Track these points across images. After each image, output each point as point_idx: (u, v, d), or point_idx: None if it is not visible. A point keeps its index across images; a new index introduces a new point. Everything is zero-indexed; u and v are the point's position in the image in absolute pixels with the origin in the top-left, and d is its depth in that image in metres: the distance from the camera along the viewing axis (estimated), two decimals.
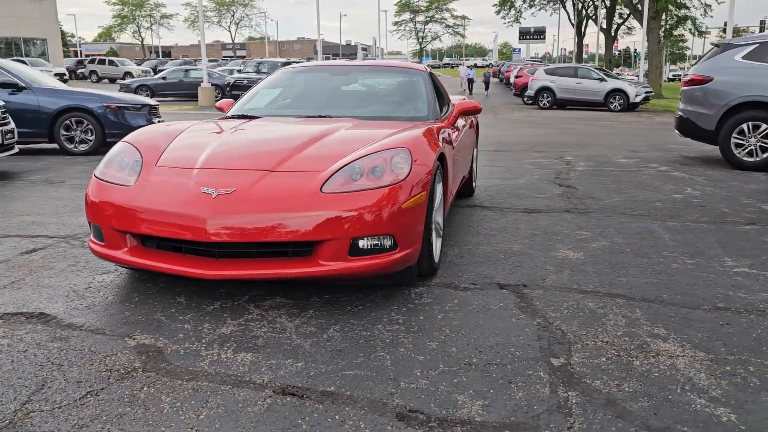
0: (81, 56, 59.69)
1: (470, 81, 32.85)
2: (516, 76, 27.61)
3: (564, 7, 47.38)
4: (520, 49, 78.42)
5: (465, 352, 2.51)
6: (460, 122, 4.84)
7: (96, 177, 3.25)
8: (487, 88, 32.22)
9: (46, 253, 3.90)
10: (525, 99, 23.11)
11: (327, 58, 46.00)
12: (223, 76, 24.08)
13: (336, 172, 3.01)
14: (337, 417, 2.03)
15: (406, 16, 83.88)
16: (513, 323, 2.82)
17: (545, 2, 47.69)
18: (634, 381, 2.29)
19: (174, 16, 73.31)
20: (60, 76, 33.36)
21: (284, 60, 22.70)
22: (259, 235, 2.81)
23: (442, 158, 3.59)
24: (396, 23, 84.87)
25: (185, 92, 24.21)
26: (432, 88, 4.61)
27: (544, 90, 21.65)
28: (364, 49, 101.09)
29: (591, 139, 11.96)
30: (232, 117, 4.42)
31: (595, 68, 23.07)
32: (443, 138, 3.90)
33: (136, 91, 23.97)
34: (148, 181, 3.09)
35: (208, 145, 3.40)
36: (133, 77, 25.03)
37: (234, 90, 20.03)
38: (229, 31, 70.69)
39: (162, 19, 69.61)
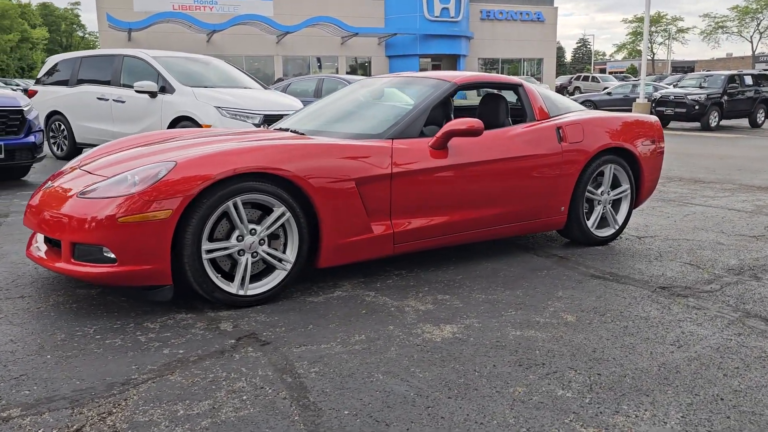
0: (606, 72, 62.83)
1: None
2: None
3: None
4: None
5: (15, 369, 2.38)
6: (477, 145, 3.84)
7: None
8: None
9: None
10: None
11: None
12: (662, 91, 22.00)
13: (112, 177, 3.08)
14: None
15: None
16: (115, 362, 2.42)
17: None
18: None
19: (690, 30, 69.01)
20: None
21: (734, 72, 19.18)
22: (39, 227, 3.17)
23: (279, 180, 3.12)
24: None
25: (629, 108, 23.21)
26: (430, 103, 3.81)
27: None
28: None
29: None
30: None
31: None
32: (365, 160, 3.36)
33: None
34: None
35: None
36: (610, 94, 25.49)
37: (659, 106, 18.16)
38: (750, 42, 62.69)
39: (677, 33, 66.97)
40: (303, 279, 3.60)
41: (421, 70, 38.98)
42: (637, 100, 21.18)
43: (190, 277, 2.96)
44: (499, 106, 4.34)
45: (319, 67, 38.56)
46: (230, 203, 3.00)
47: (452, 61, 40.07)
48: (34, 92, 10.16)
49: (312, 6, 36.22)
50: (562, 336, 2.81)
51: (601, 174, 4.45)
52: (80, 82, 9.44)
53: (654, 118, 4.82)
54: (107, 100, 8.94)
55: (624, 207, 4.60)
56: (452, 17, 37.96)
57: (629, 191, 4.57)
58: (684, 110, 17.43)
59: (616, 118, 4.53)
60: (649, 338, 2.80)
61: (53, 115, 9.80)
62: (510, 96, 4.68)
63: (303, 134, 3.83)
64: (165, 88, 8.31)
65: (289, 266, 3.22)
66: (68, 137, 9.60)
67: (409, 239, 3.60)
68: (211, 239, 3.04)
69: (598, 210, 4.45)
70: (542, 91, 4.47)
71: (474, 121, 3.59)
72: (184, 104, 8.10)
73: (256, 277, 3.19)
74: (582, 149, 4.22)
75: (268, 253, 3.17)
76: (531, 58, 42.72)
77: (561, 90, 43.24)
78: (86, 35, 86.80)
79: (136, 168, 3.05)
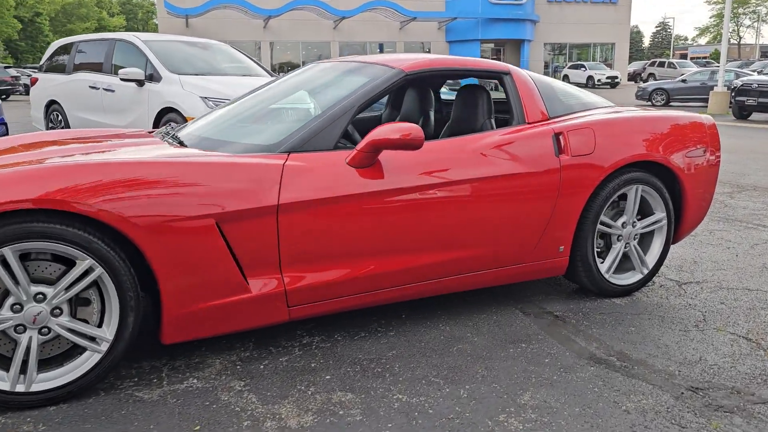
0: (688, 58, 58.76)
1: None
2: None
3: None
4: None
5: None
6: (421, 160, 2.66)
7: None
8: None
9: None
10: None
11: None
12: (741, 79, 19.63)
13: None
14: None
15: None
16: None
17: None
18: None
19: None
20: (612, 79, 34.04)
21: None
22: None
23: (84, 220, 2.05)
24: None
25: (706, 97, 20.95)
26: (356, 100, 2.64)
27: None
28: None
29: None
30: None
31: None
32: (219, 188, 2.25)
33: (651, 94, 22.23)
34: None
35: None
36: (685, 81, 23.03)
37: (739, 96, 15.98)
38: None
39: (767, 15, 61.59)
40: (164, 350, 2.54)
41: (482, 56, 37.30)
42: (714, 88, 19.02)
43: None
44: (477, 103, 3.13)
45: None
46: None
47: (516, 47, 38.20)
48: (36, 80, 9.55)
49: None
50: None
51: (624, 198, 3.18)
52: (76, 69, 8.74)
53: (706, 118, 3.48)
54: (98, 88, 8.18)
55: (657, 243, 3.31)
56: (516, 0, 36.01)
57: (665, 221, 3.27)
58: None
59: (649, 118, 3.22)
60: None
61: (52, 105, 9.16)
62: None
63: (182, 145, 2.75)
64: (153, 76, 7.44)
65: (106, 346, 2.16)
66: (65, 128, 8.92)
67: (315, 298, 2.48)
68: None
69: (617, 248, 3.18)
70: (545, 82, 3.22)
71: (410, 129, 2.42)
72: (169, 94, 7.19)
73: (54, 362, 2.15)
74: (592, 164, 2.95)
75: (71, 329, 2.12)
76: (602, 42, 40.15)
77: (634, 77, 40.51)
78: None
79: None
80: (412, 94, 3.78)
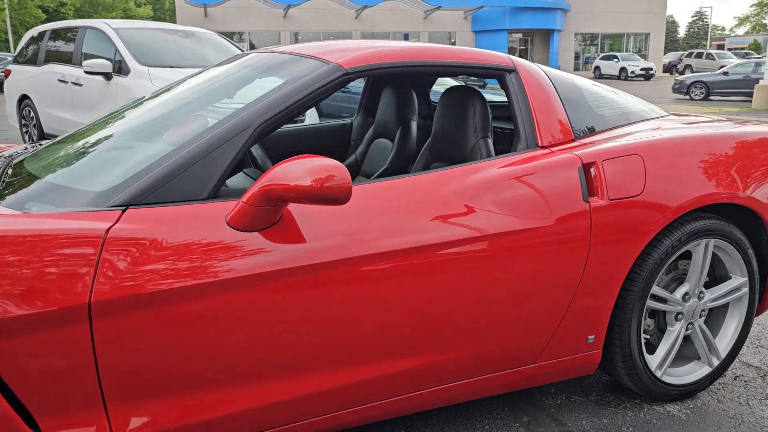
0: (725, 49, 56.41)
1: None
2: None
3: None
4: None
5: None
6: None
7: None
8: None
9: None
10: None
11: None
12: None
13: None
14: None
15: None
16: None
17: None
18: None
19: None
20: (646, 71, 32.49)
21: None
22: None
23: None
24: None
25: (750, 92, 19.45)
26: (268, 114, 1.62)
27: None
28: None
29: None
30: None
31: None
32: None
33: (689, 88, 20.76)
34: None
35: None
36: (726, 74, 21.45)
37: None
38: None
39: None
40: None
41: (510, 47, 35.94)
42: (760, 81, 17.56)
43: None
44: (466, 116, 2.10)
45: None
46: None
47: (545, 37, 36.71)
48: (9, 72, 8.74)
49: None
50: None
51: (686, 256, 2.12)
52: (47, 60, 7.88)
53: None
54: (67, 82, 7.31)
55: (733, 321, 2.24)
56: None
57: (746, 289, 2.20)
58: None
59: (725, 137, 2.15)
60: None
61: (24, 99, 8.32)
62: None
63: None
64: (122, 68, 6.52)
65: None
66: (37, 126, 8.09)
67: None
68: None
69: (674, 332, 2.12)
70: (569, 83, 2.16)
71: (330, 169, 1.40)
72: (138, 89, 6.27)
73: None
74: (642, 210, 1.90)
75: None
76: (636, 33, 38.37)
77: (669, 69, 38.72)
78: None
79: None
80: (389, 95, 2.77)
